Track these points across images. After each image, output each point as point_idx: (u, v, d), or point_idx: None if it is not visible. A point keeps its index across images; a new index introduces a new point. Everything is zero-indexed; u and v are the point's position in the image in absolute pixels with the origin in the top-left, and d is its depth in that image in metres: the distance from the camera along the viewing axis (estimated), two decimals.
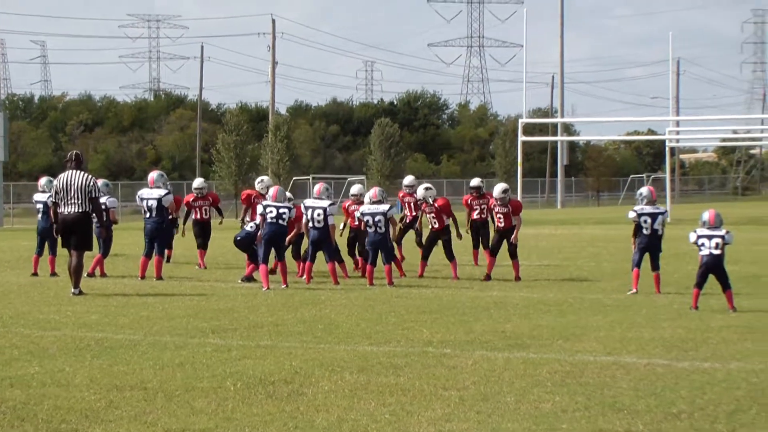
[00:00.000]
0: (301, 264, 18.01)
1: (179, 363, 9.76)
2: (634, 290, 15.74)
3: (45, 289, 16.74)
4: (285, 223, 16.80)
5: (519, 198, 44.78)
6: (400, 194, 20.50)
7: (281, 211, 16.72)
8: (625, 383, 8.79)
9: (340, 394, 8.35)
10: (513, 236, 18.30)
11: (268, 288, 16.33)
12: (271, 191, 17.33)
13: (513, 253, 18.22)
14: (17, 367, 9.59)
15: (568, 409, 7.80)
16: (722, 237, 13.69)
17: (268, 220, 16.73)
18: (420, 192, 19.26)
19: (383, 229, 17.41)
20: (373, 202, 17.70)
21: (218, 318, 13.03)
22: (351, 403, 7.98)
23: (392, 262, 17.56)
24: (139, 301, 14.98)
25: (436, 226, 18.95)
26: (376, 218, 17.36)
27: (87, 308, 14.07)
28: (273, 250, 16.80)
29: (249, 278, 17.61)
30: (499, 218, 18.32)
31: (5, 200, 47.01)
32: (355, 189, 19.85)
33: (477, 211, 20.20)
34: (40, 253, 19.31)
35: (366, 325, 12.42)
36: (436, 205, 18.94)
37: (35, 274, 19.02)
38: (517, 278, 18.03)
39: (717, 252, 13.65)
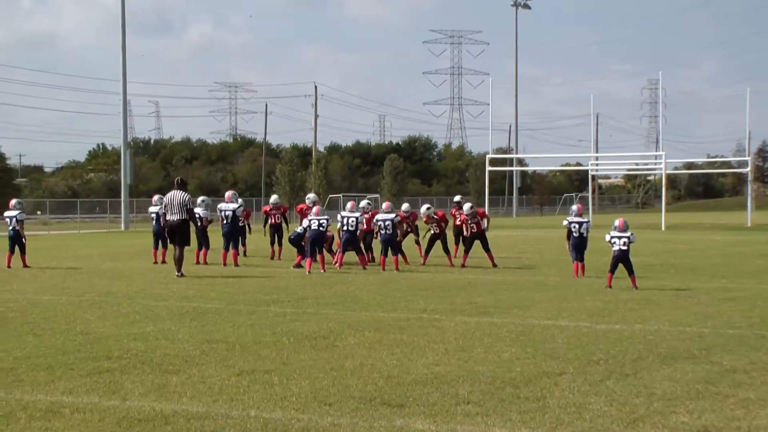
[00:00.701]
0: (335, 256, 18.00)
1: (250, 324, 9.76)
2: (576, 277, 15.37)
3: (157, 273, 16.76)
4: (324, 230, 16.84)
5: (486, 209, 44.91)
6: (400, 213, 20.23)
7: (321, 221, 16.80)
8: (561, 339, 8.75)
9: (362, 346, 8.33)
10: (486, 226, 18.38)
11: (310, 272, 16.34)
12: (315, 209, 17.32)
13: (486, 248, 18.10)
14: (138, 326, 9.61)
15: (520, 357, 7.77)
16: (628, 237, 13.64)
17: (313, 227, 16.77)
18: (423, 210, 19.24)
19: (392, 230, 17.39)
20: (386, 212, 17.69)
21: (277, 293, 13.02)
22: (369, 353, 7.96)
23: (398, 254, 17.52)
24: (222, 281, 14.98)
25: (437, 231, 18.88)
26: (387, 222, 17.36)
27: (186, 286, 14.10)
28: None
29: (298, 266, 17.57)
30: (472, 227, 18.19)
31: (130, 211, 47.05)
32: (362, 204, 19.76)
33: (458, 219, 20.14)
34: (156, 247, 19.34)
35: (380, 298, 12.39)
36: (437, 216, 18.93)
37: (156, 263, 19.02)
38: (494, 265, 17.79)
39: (624, 248, 13.60)
